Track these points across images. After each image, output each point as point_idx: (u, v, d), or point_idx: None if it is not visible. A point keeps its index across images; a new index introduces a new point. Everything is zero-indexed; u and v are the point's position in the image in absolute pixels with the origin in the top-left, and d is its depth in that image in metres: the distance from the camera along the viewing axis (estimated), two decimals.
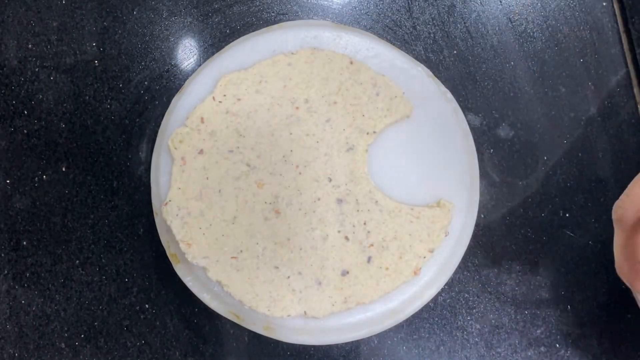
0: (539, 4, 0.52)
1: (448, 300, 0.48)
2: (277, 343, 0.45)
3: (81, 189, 0.48)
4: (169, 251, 0.45)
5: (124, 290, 0.47)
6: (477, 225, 0.47)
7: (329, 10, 0.51)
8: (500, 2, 0.52)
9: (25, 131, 0.48)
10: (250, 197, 0.44)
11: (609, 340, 0.48)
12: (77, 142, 0.49)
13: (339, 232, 0.44)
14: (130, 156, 0.49)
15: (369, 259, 0.44)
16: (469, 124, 0.48)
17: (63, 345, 0.46)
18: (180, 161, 0.44)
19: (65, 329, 0.46)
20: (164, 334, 0.46)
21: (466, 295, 0.48)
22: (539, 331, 0.48)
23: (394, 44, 0.50)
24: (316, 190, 0.44)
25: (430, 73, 0.48)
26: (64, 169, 0.48)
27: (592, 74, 0.51)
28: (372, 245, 0.44)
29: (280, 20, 0.51)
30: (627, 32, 0.52)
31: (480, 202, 0.47)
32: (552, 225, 0.49)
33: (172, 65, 0.50)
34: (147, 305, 0.47)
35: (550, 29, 0.52)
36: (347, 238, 0.44)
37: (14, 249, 0.47)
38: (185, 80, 0.49)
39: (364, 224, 0.44)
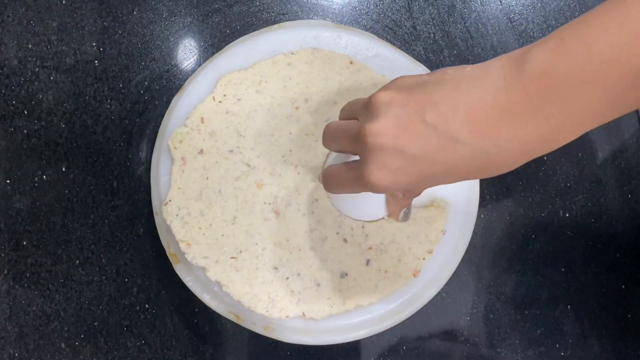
0: (539, 4, 0.52)
1: (448, 301, 0.47)
2: (277, 343, 0.45)
3: (81, 189, 0.48)
4: (169, 251, 0.45)
5: (124, 290, 0.47)
6: (477, 225, 0.47)
7: (329, 10, 0.51)
8: (500, 2, 0.52)
9: (25, 131, 0.48)
10: (250, 198, 0.44)
11: (609, 340, 0.48)
12: (77, 142, 0.49)
13: (337, 234, 0.44)
14: (130, 156, 0.49)
15: (368, 262, 0.43)
16: None
17: (63, 345, 0.46)
18: (180, 161, 0.44)
19: (65, 329, 0.46)
20: (164, 334, 0.46)
21: (466, 295, 0.48)
22: (539, 331, 0.48)
23: (394, 44, 0.49)
24: (314, 191, 0.44)
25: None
26: (64, 169, 0.48)
27: None
28: (370, 248, 0.44)
29: (280, 20, 0.51)
30: None
31: (480, 202, 0.47)
32: (552, 225, 0.49)
33: (172, 65, 0.50)
34: (147, 305, 0.47)
35: (550, 29, 0.52)
36: (345, 240, 0.44)
37: (14, 249, 0.47)
38: (185, 80, 0.49)
39: (362, 227, 0.44)
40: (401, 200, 0.39)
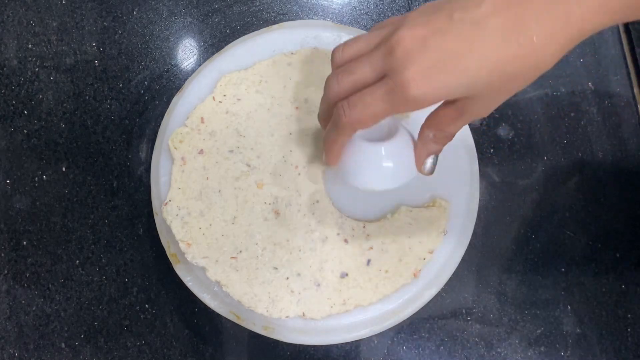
0: None
1: (448, 300, 0.47)
2: (277, 343, 0.45)
3: (81, 189, 0.48)
4: (169, 251, 0.45)
5: (124, 290, 0.47)
6: (477, 225, 0.47)
7: (329, 10, 0.51)
8: None
9: (25, 131, 0.48)
10: (250, 198, 0.44)
11: (609, 340, 0.48)
12: (77, 142, 0.49)
13: (338, 234, 0.44)
14: (130, 156, 0.49)
15: (368, 262, 0.43)
16: (469, 124, 0.48)
17: (63, 345, 0.46)
18: (180, 161, 0.44)
19: (65, 329, 0.46)
20: (164, 334, 0.46)
21: (466, 295, 0.48)
22: (539, 331, 0.47)
23: None
24: (314, 192, 0.44)
25: None
26: (64, 169, 0.48)
27: (592, 74, 0.51)
28: (371, 248, 0.44)
29: (280, 20, 0.51)
30: (627, 32, 0.52)
31: (480, 202, 0.47)
32: (552, 225, 0.49)
33: (172, 65, 0.50)
34: (147, 305, 0.47)
35: None
36: (346, 241, 0.44)
37: (14, 249, 0.47)
38: (185, 80, 0.49)
39: (364, 227, 0.44)
40: (430, 143, 0.36)
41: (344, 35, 0.48)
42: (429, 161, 0.37)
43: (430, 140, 0.36)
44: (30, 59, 0.49)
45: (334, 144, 0.36)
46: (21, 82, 0.49)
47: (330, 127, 0.36)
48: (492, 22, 0.29)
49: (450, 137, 0.36)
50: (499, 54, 0.30)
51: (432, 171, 0.38)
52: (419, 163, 0.37)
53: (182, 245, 0.43)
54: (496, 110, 0.51)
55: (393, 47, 0.31)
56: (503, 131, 0.50)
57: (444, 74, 0.30)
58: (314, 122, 0.45)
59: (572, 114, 0.51)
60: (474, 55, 0.30)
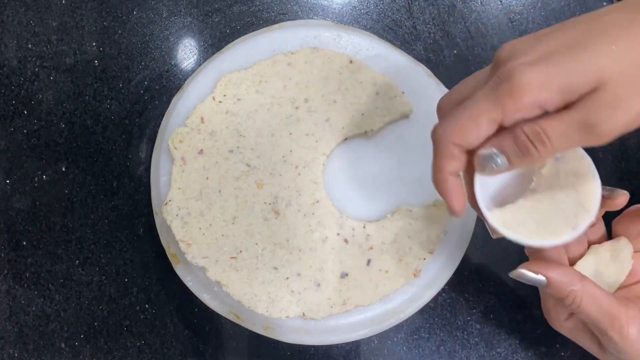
0: (539, 4, 0.52)
1: (448, 300, 0.47)
2: (277, 343, 0.45)
3: (81, 189, 0.48)
4: (169, 251, 0.45)
5: (124, 290, 0.47)
6: (477, 225, 0.47)
7: (329, 10, 0.51)
8: (501, 2, 0.52)
9: (25, 131, 0.48)
10: (250, 198, 0.44)
11: None
12: (77, 142, 0.49)
13: (338, 234, 0.44)
14: (130, 156, 0.49)
15: (369, 262, 0.43)
16: None
17: (63, 345, 0.46)
18: (180, 161, 0.44)
19: (65, 329, 0.46)
20: (164, 334, 0.46)
21: (466, 295, 0.48)
22: (539, 331, 0.47)
23: (394, 44, 0.49)
24: (314, 192, 0.44)
25: (431, 73, 0.48)
26: (64, 169, 0.48)
27: None
28: (371, 248, 0.44)
29: (280, 20, 0.51)
30: None
31: None
32: None
33: (172, 65, 0.50)
34: (147, 305, 0.47)
35: None
36: (346, 241, 0.44)
37: (14, 249, 0.47)
38: (185, 80, 0.49)
39: (364, 227, 0.44)
40: (512, 144, 0.31)
41: (344, 35, 0.48)
42: (496, 155, 0.32)
43: (518, 141, 0.31)
44: (30, 59, 0.49)
45: None
46: (21, 82, 0.49)
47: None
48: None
49: (548, 150, 0.31)
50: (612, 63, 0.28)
51: (486, 168, 0.33)
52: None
53: (182, 245, 0.43)
54: None
55: (498, 62, 0.31)
56: None
57: (556, 63, 0.29)
58: (314, 122, 0.45)
59: None
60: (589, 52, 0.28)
